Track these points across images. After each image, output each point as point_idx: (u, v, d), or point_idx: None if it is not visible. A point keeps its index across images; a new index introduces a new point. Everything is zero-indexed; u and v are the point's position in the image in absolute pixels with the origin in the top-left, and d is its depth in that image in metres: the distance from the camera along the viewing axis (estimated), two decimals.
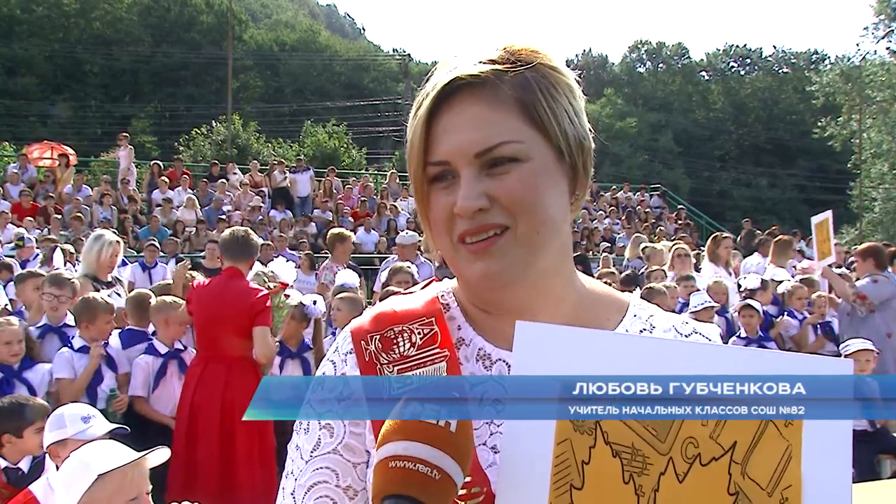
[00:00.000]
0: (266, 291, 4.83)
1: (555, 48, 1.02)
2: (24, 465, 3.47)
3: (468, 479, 0.85)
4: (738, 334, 6.47)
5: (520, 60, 0.99)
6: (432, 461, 0.78)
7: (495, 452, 0.96)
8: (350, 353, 1.07)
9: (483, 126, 0.96)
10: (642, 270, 9.26)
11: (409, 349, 1.04)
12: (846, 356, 5.08)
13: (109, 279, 5.70)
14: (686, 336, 1.10)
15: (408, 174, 1.04)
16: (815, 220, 7.88)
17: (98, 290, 5.26)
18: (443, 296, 1.11)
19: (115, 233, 7.29)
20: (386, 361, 1.04)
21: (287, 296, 5.61)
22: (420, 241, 8.77)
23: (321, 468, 1.04)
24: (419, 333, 1.05)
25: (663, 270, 7.89)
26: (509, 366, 1.02)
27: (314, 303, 5.52)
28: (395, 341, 1.05)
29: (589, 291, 1.12)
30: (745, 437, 0.83)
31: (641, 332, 1.08)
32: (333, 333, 5.81)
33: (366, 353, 1.05)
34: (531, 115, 0.98)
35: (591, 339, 0.89)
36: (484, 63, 0.98)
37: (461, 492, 0.84)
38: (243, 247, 4.74)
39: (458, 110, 0.98)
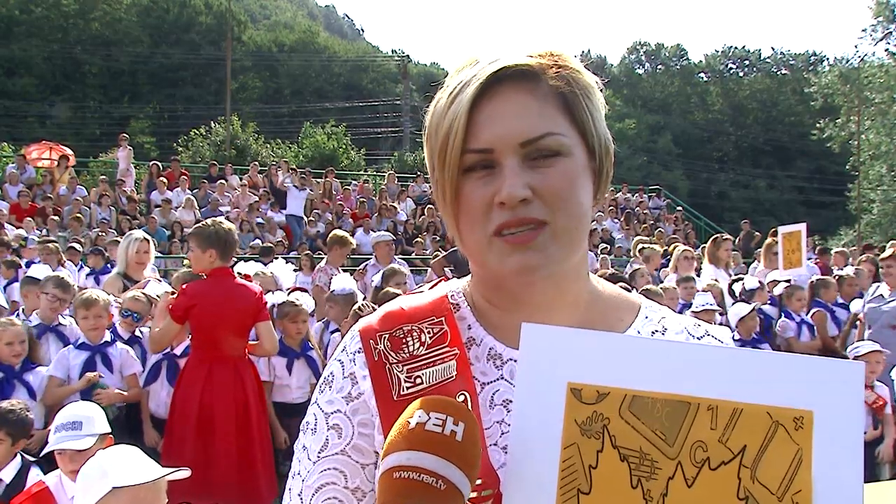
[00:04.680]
0: (259, 288, 4.90)
1: (572, 53, 1.02)
2: (9, 473, 3.38)
3: (479, 481, 0.84)
4: (732, 336, 6.44)
5: (545, 63, 0.98)
6: (437, 471, 0.77)
7: (506, 453, 0.94)
8: (359, 352, 1.06)
9: (529, 116, 0.95)
10: (628, 271, 9.22)
11: (418, 348, 1.03)
12: (856, 359, 5.06)
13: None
14: (698, 338, 1.09)
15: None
16: (783, 229, 7.60)
17: (128, 288, 5.37)
18: (452, 295, 1.10)
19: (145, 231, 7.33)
20: (395, 361, 1.02)
21: None
22: (392, 239, 8.65)
23: (329, 469, 1.03)
24: (428, 332, 1.04)
25: (645, 272, 7.84)
26: None
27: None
28: (404, 340, 1.04)
29: (601, 292, 1.11)
30: (755, 441, 0.81)
31: (653, 333, 1.07)
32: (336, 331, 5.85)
33: (374, 353, 1.04)
34: (571, 111, 0.97)
35: (596, 341, 0.88)
36: (529, 56, 0.97)
37: (472, 494, 0.82)
38: (233, 245, 4.75)
39: (502, 99, 0.96)
